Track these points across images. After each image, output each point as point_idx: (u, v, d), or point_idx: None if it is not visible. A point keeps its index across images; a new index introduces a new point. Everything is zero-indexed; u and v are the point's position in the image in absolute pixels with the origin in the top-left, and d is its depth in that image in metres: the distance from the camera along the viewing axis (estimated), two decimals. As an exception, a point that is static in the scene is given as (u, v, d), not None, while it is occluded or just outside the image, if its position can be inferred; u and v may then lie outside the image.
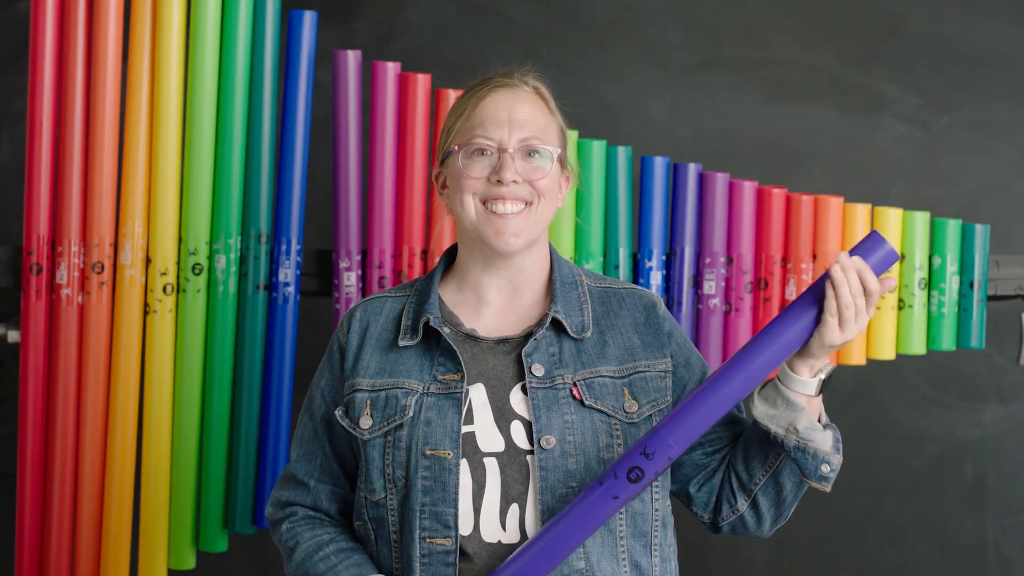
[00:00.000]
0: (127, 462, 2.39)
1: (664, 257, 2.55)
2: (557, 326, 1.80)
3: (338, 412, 1.81)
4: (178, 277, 2.40)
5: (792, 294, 2.57)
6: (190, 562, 2.47)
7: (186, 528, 2.44)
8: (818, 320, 1.69)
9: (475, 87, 1.83)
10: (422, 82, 2.43)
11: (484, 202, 1.78)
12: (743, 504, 1.81)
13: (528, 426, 1.74)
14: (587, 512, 1.68)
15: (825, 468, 1.72)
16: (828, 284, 1.67)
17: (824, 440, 1.72)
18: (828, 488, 1.74)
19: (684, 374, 1.84)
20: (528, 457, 1.73)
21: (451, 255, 1.90)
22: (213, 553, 2.51)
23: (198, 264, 2.39)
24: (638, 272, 2.54)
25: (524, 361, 1.76)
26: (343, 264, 2.44)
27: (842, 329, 1.67)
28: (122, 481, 2.39)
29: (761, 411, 1.74)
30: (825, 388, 1.74)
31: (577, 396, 1.75)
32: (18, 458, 2.38)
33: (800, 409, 1.72)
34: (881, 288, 1.68)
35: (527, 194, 1.78)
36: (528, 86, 1.83)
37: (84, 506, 2.39)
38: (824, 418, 1.77)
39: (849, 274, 1.66)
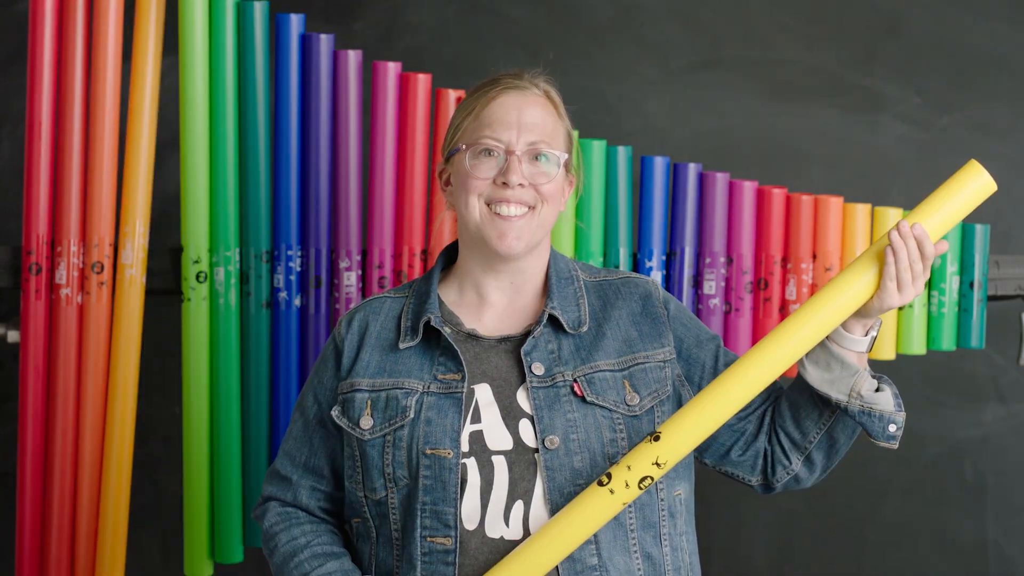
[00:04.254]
0: (125, 462, 2.39)
1: (664, 257, 2.55)
2: (555, 323, 1.80)
3: (334, 412, 1.80)
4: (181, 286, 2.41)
5: (792, 294, 2.57)
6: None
7: (201, 539, 2.46)
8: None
9: (485, 86, 1.81)
10: (422, 82, 2.43)
11: (488, 204, 1.77)
12: (797, 463, 1.83)
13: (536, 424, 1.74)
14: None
15: (892, 427, 1.75)
16: (888, 250, 1.70)
17: (887, 400, 1.75)
18: (895, 445, 1.76)
19: (697, 352, 1.84)
20: (536, 455, 1.73)
21: (449, 253, 1.89)
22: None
23: (202, 272, 2.39)
24: (638, 272, 2.54)
25: (524, 360, 1.76)
26: (343, 264, 2.44)
27: (901, 293, 1.71)
28: (119, 481, 2.39)
29: (816, 376, 1.76)
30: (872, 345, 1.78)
31: (578, 393, 1.75)
32: (18, 458, 2.38)
33: (858, 371, 1.74)
34: (935, 251, 1.73)
35: (531, 198, 1.77)
36: (539, 89, 1.82)
37: (83, 506, 2.39)
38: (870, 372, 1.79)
39: (908, 241, 1.70)
